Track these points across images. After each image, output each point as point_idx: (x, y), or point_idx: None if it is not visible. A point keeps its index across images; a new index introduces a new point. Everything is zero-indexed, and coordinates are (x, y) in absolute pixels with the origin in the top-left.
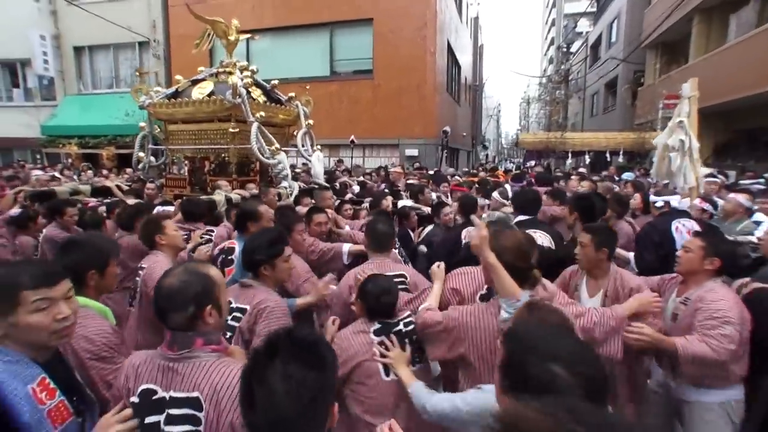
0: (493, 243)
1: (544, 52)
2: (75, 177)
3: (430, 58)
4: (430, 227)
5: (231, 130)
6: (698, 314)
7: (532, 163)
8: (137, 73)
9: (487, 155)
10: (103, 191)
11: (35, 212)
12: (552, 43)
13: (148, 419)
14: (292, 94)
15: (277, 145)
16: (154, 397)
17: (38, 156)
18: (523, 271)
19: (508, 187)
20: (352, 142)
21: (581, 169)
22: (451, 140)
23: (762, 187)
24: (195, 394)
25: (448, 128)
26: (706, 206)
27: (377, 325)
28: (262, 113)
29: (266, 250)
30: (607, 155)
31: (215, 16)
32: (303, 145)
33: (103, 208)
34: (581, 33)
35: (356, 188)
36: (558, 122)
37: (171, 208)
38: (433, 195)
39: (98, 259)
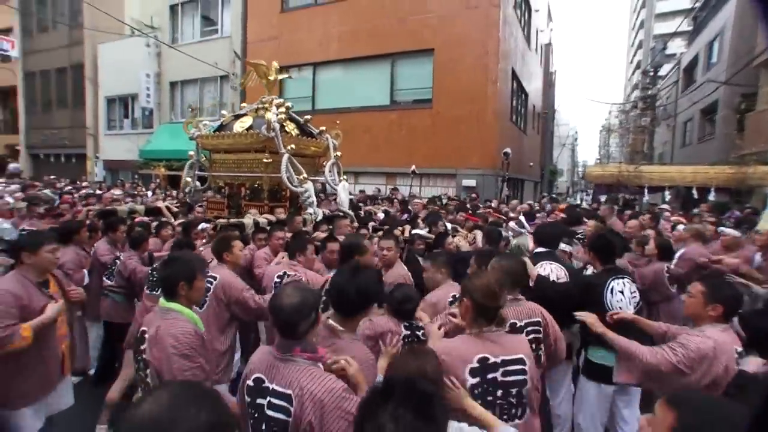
0: (467, 282)
1: (629, 77)
2: (161, 195)
3: (491, 87)
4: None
5: (265, 160)
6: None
7: (603, 198)
8: (190, 109)
9: (556, 186)
10: (155, 211)
11: (95, 227)
12: (638, 66)
13: (258, 400)
14: (323, 128)
15: (305, 175)
16: (263, 385)
17: (136, 176)
18: (489, 310)
19: (522, 218)
20: (413, 171)
21: (663, 206)
22: (516, 170)
23: None
24: (288, 391)
25: (508, 150)
26: None
27: None
28: (293, 146)
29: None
30: (694, 191)
31: (287, 50)
32: (330, 175)
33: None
34: (673, 55)
35: (381, 216)
36: (643, 153)
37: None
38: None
39: (187, 273)
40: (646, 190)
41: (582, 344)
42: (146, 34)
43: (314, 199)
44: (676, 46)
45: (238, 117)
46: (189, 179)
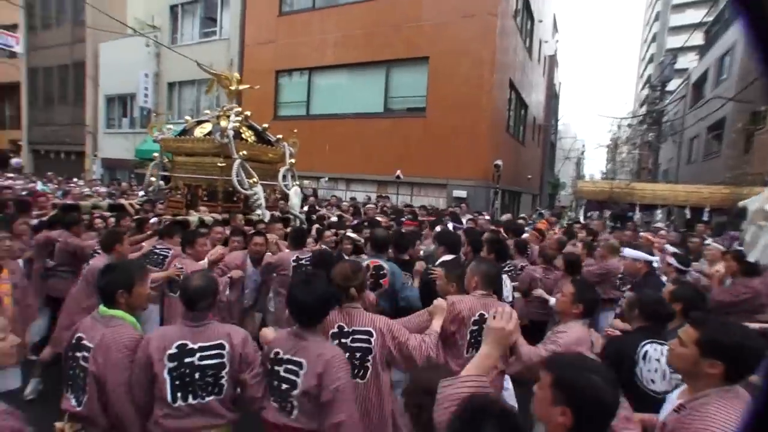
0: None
1: (638, 91)
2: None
3: (486, 97)
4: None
5: (219, 164)
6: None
7: (594, 214)
8: (153, 113)
9: (558, 200)
10: (118, 207)
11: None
12: (648, 81)
13: (187, 359)
14: (280, 136)
15: (256, 179)
16: (187, 347)
17: (132, 175)
18: (344, 289)
19: (450, 225)
20: (398, 177)
21: (658, 224)
22: (512, 182)
23: None
24: (220, 341)
25: (500, 161)
26: None
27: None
28: (245, 152)
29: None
30: (687, 211)
31: (284, 54)
32: (284, 180)
33: (112, 220)
34: (684, 69)
35: (334, 219)
36: (648, 168)
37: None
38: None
39: (125, 281)
40: (637, 208)
41: None
42: (145, 34)
43: (263, 201)
44: (688, 60)
45: (200, 123)
46: (153, 179)
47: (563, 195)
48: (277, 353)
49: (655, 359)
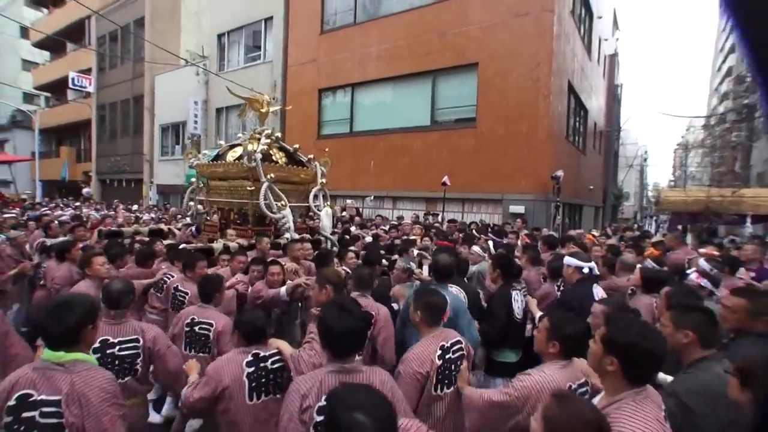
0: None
1: (715, 87)
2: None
3: (543, 103)
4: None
5: (248, 188)
6: None
7: (680, 228)
8: (189, 140)
9: (621, 212)
10: (157, 233)
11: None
12: (729, 74)
13: (108, 351)
14: (311, 156)
15: (284, 202)
16: (109, 341)
17: (182, 200)
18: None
19: (490, 243)
20: (444, 183)
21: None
22: (573, 195)
23: None
24: (136, 336)
25: (560, 172)
26: None
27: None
28: (272, 174)
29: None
30: None
31: (326, 71)
32: (315, 201)
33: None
34: None
35: (368, 240)
36: (734, 172)
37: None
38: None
39: (91, 315)
40: (748, 220)
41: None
42: (196, 63)
43: (291, 224)
44: None
45: (232, 147)
46: (192, 203)
47: (626, 206)
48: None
49: None
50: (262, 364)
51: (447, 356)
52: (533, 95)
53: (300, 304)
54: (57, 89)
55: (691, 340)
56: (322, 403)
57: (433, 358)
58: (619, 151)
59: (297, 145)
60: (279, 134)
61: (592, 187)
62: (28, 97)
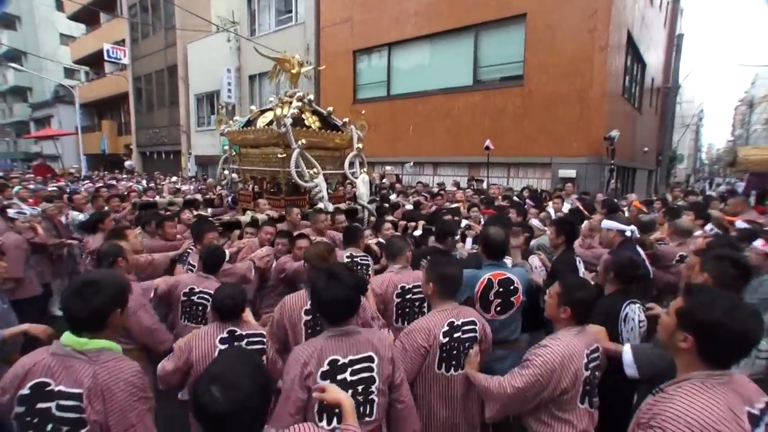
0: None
1: None
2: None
3: (599, 56)
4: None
5: (279, 155)
6: None
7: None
8: (220, 107)
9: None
10: (192, 203)
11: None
12: None
13: None
14: (347, 120)
15: (317, 169)
16: None
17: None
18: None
19: (551, 210)
20: (487, 147)
21: None
22: (627, 157)
23: None
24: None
25: (615, 132)
26: None
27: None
28: (303, 140)
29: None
30: None
31: (360, 32)
32: (351, 168)
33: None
34: None
35: (409, 207)
36: None
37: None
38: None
39: (120, 298)
40: None
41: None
42: (227, 29)
43: (325, 193)
44: None
45: (263, 112)
46: (226, 172)
47: (679, 169)
48: (336, 361)
49: (631, 319)
50: (236, 343)
51: (455, 335)
52: (588, 48)
53: None
54: (94, 62)
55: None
56: (325, 368)
57: (437, 333)
58: (675, 110)
59: (331, 108)
60: (311, 96)
61: (646, 149)
62: (68, 72)
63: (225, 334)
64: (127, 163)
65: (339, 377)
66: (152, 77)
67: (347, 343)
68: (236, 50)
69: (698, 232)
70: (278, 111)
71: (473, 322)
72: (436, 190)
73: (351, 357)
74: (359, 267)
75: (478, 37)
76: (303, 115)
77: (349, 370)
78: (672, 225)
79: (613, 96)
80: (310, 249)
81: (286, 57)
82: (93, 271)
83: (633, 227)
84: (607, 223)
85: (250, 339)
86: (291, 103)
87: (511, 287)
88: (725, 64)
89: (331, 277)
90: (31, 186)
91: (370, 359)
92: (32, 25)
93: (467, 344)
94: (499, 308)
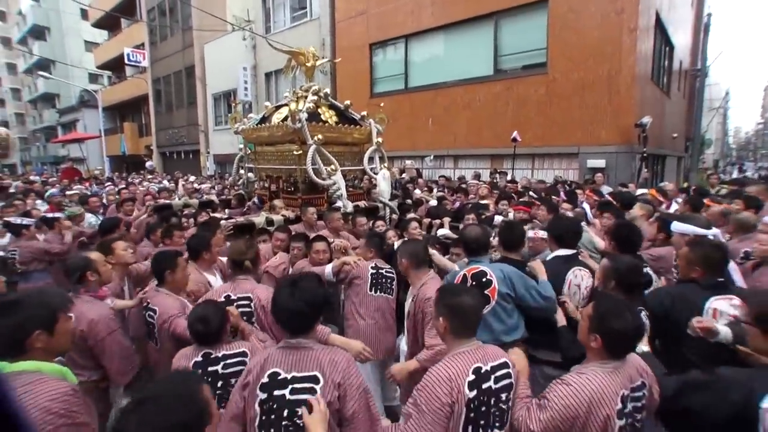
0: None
1: None
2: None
3: (628, 39)
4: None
5: (295, 152)
6: None
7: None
8: (233, 104)
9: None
10: (208, 205)
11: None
12: None
13: None
14: (365, 113)
15: (335, 166)
16: None
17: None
18: (239, 264)
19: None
20: (515, 139)
21: None
22: (656, 144)
23: None
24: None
25: (645, 119)
26: None
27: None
28: (320, 136)
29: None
30: None
31: (376, 24)
32: (371, 163)
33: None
34: None
35: (433, 203)
36: None
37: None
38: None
39: (43, 318)
40: None
41: None
42: (242, 27)
43: (343, 191)
44: None
45: (278, 107)
46: (242, 172)
47: (707, 154)
48: (276, 374)
49: None
50: (211, 368)
51: (485, 385)
52: (616, 31)
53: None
54: (116, 67)
55: None
56: (265, 380)
57: (461, 385)
58: (703, 93)
59: (348, 102)
60: (328, 90)
61: (675, 134)
62: (92, 77)
63: (199, 358)
64: (148, 164)
65: (277, 393)
66: (171, 78)
67: (293, 358)
68: (252, 48)
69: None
70: (293, 106)
71: (505, 365)
72: (458, 183)
73: (294, 373)
74: (384, 280)
75: (498, 25)
76: (319, 110)
77: (290, 387)
78: (734, 220)
79: (643, 80)
80: (232, 245)
81: (301, 50)
82: (22, 291)
83: (716, 231)
84: (680, 227)
85: (228, 361)
86: (306, 97)
87: (483, 279)
88: (753, 44)
89: (291, 285)
90: (54, 190)
91: (313, 379)
92: (60, 34)
93: (503, 396)
94: None
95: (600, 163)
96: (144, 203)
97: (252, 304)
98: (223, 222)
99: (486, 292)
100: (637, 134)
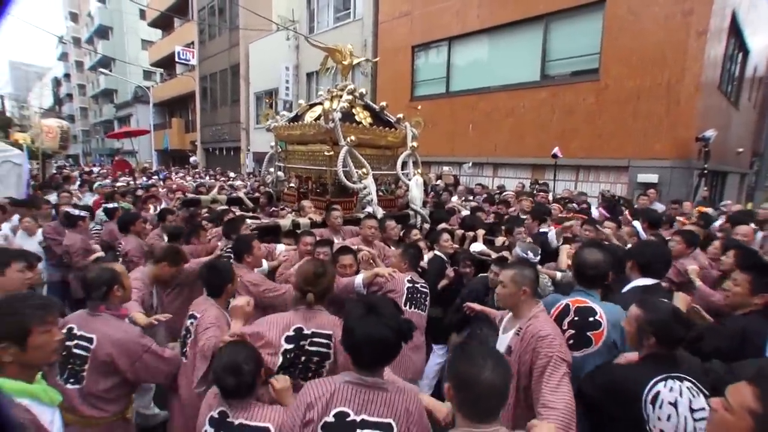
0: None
1: None
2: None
3: (696, 43)
4: None
5: (326, 152)
6: None
7: None
8: (266, 102)
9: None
10: (236, 201)
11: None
12: None
13: (67, 343)
14: (401, 116)
15: (366, 169)
16: (72, 332)
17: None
18: (302, 293)
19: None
20: (555, 155)
21: None
22: (718, 159)
23: None
24: (92, 335)
25: (709, 133)
26: None
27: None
28: (353, 137)
29: None
30: None
31: (420, 26)
32: (404, 169)
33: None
34: None
35: (465, 213)
36: None
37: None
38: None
39: (13, 331)
40: None
41: None
42: (287, 27)
43: (374, 196)
44: None
45: (312, 106)
46: (272, 170)
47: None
48: (344, 415)
49: (668, 403)
50: None
51: None
52: (682, 34)
53: None
54: (168, 65)
55: None
56: (330, 419)
57: None
58: None
59: (384, 103)
60: (364, 90)
61: (741, 149)
62: (146, 74)
63: (216, 414)
64: (192, 159)
65: (67, 343)
66: (216, 76)
67: (364, 397)
68: (295, 48)
69: None
70: (327, 105)
71: None
72: (496, 192)
73: (365, 416)
74: (419, 295)
75: (548, 28)
76: (353, 110)
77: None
78: None
79: (708, 89)
80: (301, 266)
81: (338, 47)
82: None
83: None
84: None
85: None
86: (341, 96)
87: (590, 319)
88: None
89: (370, 310)
90: (107, 181)
91: (387, 427)
92: (121, 34)
93: None
94: (571, 341)
95: (652, 178)
96: (171, 199)
97: (331, 344)
98: (248, 221)
99: (589, 334)
100: (697, 148)
